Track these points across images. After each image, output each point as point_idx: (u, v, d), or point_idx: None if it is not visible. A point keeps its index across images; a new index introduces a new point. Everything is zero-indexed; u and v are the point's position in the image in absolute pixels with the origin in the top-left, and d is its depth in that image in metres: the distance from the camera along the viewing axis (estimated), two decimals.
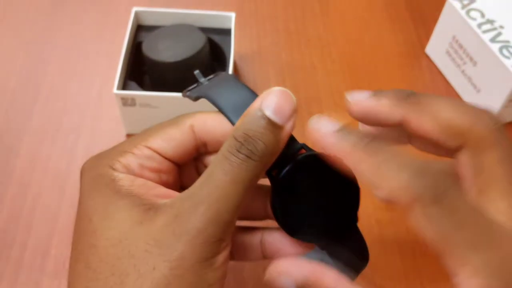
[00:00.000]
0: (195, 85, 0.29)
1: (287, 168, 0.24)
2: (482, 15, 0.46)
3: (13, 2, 0.54)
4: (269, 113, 0.23)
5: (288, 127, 0.24)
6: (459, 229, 0.20)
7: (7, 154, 0.43)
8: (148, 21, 0.47)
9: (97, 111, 0.46)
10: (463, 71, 0.48)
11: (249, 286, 0.37)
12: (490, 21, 0.46)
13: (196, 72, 0.29)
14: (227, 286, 0.37)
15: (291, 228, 0.25)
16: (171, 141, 0.25)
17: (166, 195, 0.24)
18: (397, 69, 0.52)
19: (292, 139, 0.25)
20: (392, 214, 0.41)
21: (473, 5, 0.47)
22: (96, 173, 0.24)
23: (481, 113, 0.23)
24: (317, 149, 0.24)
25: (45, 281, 0.36)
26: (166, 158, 0.26)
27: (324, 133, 0.23)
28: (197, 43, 0.43)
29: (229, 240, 0.23)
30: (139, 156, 0.25)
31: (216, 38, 0.47)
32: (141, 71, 0.45)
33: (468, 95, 0.49)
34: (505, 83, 0.44)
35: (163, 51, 0.42)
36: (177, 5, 0.54)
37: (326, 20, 0.55)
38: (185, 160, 0.27)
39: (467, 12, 0.47)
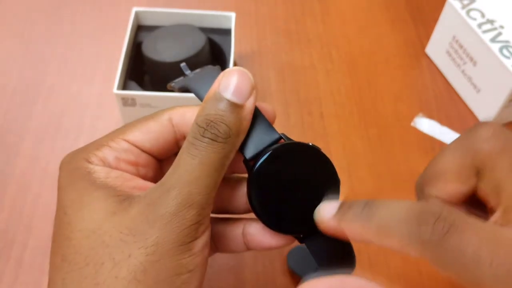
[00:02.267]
0: (181, 78, 0.29)
1: (263, 158, 0.24)
2: (482, 15, 0.46)
3: (13, 2, 0.54)
4: (227, 94, 0.23)
5: (249, 105, 0.24)
6: (472, 264, 0.20)
7: (7, 154, 0.43)
8: (148, 21, 0.47)
9: (97, 111, 0.46)
10: (463, 71, 0.48)
11: (249, 286, 0.37)
12: (490, 21, 0.46)
13: (182, 64, 0.29)
14: (227, 286, 0.37)
15: (268, 219, 0.25)
16: (149, 133, 0.25)
17: (143, 187, 0.24)
18: (397, 69, 0.52)
19: (270, 129, 0.25)
20: None
21: (473, 5, 0.47)
22: (72, 166, 0.24)
23: (472, 134, 0.22)
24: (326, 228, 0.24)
25: (45, 281, 0.36)
26: (143, 151, 0.26)
27: (327, 217, 0.24)
28: (197, 43, 0.43)
29: (207, 224, 0.23)
30: (116, 149, 0.25)
31: (216, 38, 0.47)
32: (141, 71, 0.45)
33: (468, 95, 0.49)
34: (505, 83, 0.44)
35: (163, 51, 0.43)
36: (177, 5, 0.54)
37: (326, 20, 0.55)
38: (164, 153, 0.26)
39: (467, 12, 0.47)
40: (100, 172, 0.24)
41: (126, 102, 0.41)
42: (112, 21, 0.53)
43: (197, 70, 0.29)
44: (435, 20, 0.51)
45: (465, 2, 0.47)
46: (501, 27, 0.45)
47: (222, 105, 0.23)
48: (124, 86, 0.43)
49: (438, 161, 0.24)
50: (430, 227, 0.20)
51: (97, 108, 0.46)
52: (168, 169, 0.26)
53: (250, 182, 0.24)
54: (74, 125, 0.45)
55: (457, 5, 0.47)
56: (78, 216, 0.23)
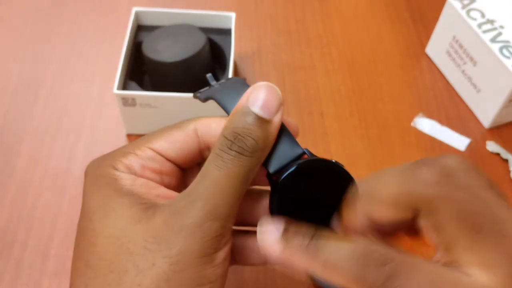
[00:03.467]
0: (206, 88, 0.29)
1: (286, 173, 0.24)
2: (482, 15, 0.46)
3: (13, 2, 0.54)
4: (255, 109, 0.24)
5: (276, 120, 0.24)
6: None
7: (7, 154, 0.43)
8: (148, 21, 0.47)
9: (97, 111, 0.46)
10: (463, 71, 0.48)
11: (249, 286, 0.37)
12: (490, 21, 0.46)
13: (209, 75, 0.30)
14: (227, 286, 0.37)
15: None
16: (174, 143, 0.26)
17: (167, 196, 0.24)
18: (397, 69, 0.52)
19: (294, 144, 0.25)
20: None
21: (473, 5, 0.47)
22: (98, 173, 0.25)
23: (417, 173, 0.22)
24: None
25: (45, 281, 0.36)
26: (168, 159, 0.26)
27: (269, 243, 0.23)
28: (197, 43, 0.43)
29: (229, 236, 0.23)
30: (141, 157, 0.25)
31: (216, 38, 0.47)
32: (141, 71, 0.45)
33: (468, 95, 0.49)
34: (505, 83, 0.44)
35: (163, 51, 0.42)
36: (177, 5, 0.54)
37: (326, 20, 0.55)
38: (188, 163, 0.27)
39: (467, 12, 0.47)
40: (126, 179, 0.24)
41: (126, 102, 0.41)
42: (112, 21, 0.53)
43: (222, 81, 0.29)
44: (435, 20, 0.51)
45: (465, 2, 0.47)
46: (501, 27, 0.45)
47: (250, 119, 0.23)
48: (124, 86, 0.43)
49: (381, 182, 0.23)
50: (376, 269, 0.20)
51: (97, 108, 0.46)
52: (190, 178, 0.27)
53: (272, 197, 0.25)
54: (74, 125, 0.45)
55: (457, 5, 0.47)
56: (103, 222, 0.23)
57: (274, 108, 0.24)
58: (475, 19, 0.46)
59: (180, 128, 0.26)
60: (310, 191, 0.24)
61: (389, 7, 0.57)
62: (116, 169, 0.24)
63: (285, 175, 0.24)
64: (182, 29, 0.45)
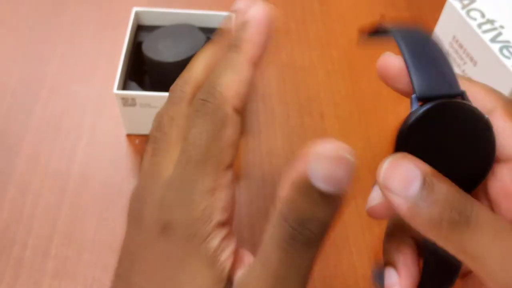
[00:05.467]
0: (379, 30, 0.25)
1: (420, 111, 0.21)
2: (482, 15, 0.46)
3: (13, 3, 0.54)
4: (321, 184, 0.19)
5: (345, 191, 0.20)
6: (494, 245, 0.19)
7: (7, 154, 0.43)
8: (148, 21, 0.47)
9: (97, 111, 0.46)
10: (463, 71, 0.48)
11: None
12: (490, 21, 0.46)
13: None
14: None
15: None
16: (229, 202, 0.22)
17: (237, 259, 0.22)
18: None
19: (454, 79, 0.22)
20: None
21: (473, 5, 0.47)
22: (195, 248, 0.21)
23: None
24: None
25: (45, 281, 0.36)
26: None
27: (397, 191, 0.21)
28: (197, 43, 0.43)
29: None
30: (233, 235, 0.22)
31: None
32: (141, 71, 0.45)
33: None
34: (505, 83, 0.44)
35: (163, 51, 0.43)
36: (177, 5, 0.54)
37: (326, 20, 0.55)
38: None
39: (467, 12, 0.47)
40: (225, 264, 0.21)
41: (126, 102, 0.41)
42: (112, 21, 0.53)
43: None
44: (435, 20, 0.51)
45: (465, 2, 0.47)
46: (501, 27, 0.45)
47: (316, 198, 0.19)
48: (124, 86, 0.43)
49: None
50: (460, 206, 0.20)
51: (97, 108, 0.46)
52: None
53: (403, 130, 0.22)
54: (74, 125, 0.45)
55: (457, 5, 0.47)
56: None
57: (343, 181, 0.19)
58: (475, 19, 0.46)
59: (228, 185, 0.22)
60: (444, 139, 0.21)
61: (389, 7, 0.57)
62: (215, 255, 0.21)
63: (418, 112, 0.21)
64: (182, 29, 0.45)
